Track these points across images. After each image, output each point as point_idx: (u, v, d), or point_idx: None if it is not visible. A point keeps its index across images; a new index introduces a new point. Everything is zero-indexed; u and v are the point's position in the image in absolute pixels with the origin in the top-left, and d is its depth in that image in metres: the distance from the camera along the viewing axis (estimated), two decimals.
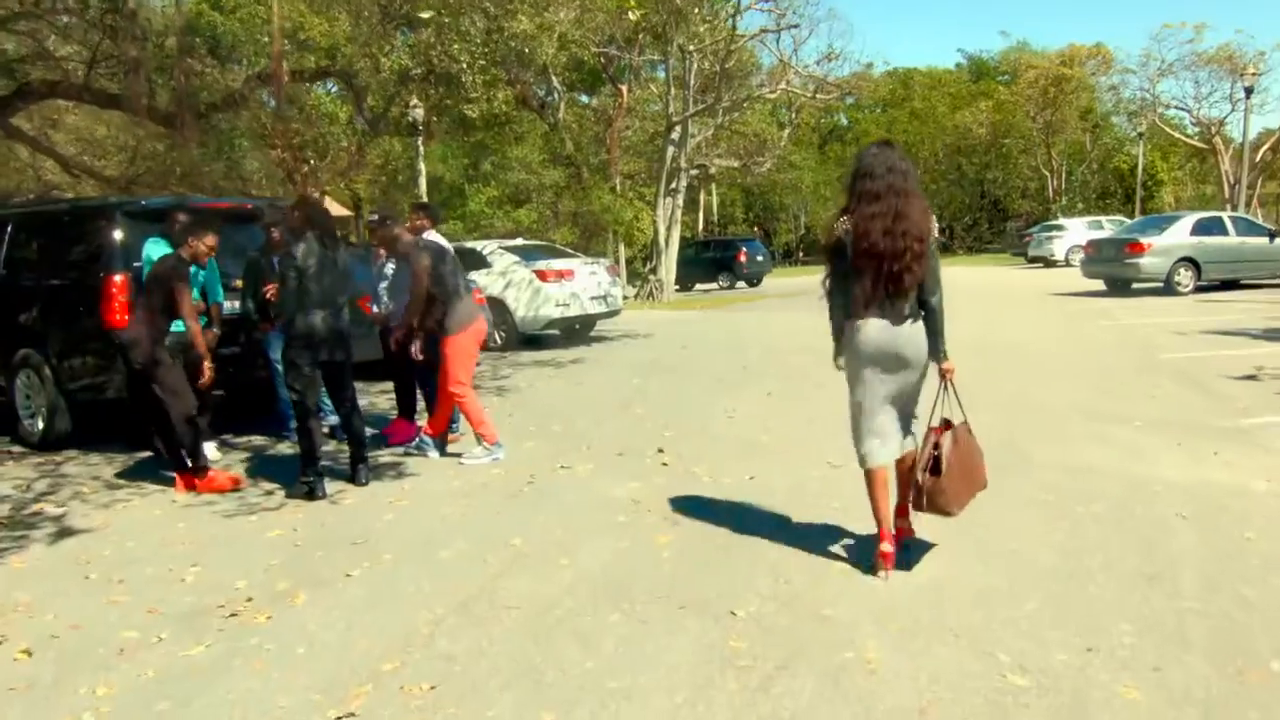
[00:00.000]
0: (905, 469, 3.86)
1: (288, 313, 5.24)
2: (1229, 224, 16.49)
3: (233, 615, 3.63)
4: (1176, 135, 40.44)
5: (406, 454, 6.18)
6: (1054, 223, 29.14)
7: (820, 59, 21.99)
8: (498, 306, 11.97)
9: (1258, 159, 34.14)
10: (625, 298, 18.40)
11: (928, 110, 50.66)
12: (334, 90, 25.50)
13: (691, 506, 4.77)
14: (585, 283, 12.29)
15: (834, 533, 4.30)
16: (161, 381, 5.37)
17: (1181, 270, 15.91)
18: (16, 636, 3.51)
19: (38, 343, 6.70)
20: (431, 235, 6.61)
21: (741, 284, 28.02)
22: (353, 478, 5.45)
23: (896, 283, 3.55)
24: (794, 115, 28.15)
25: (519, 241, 13.65)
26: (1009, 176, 49.11)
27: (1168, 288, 15.90)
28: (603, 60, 22.45)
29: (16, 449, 6.88)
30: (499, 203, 21.52)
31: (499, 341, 12.14)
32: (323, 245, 5.17)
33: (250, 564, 4.18)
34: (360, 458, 5.46)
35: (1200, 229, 16.20)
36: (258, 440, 6.91)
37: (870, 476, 3.76)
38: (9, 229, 7.38)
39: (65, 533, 4.80)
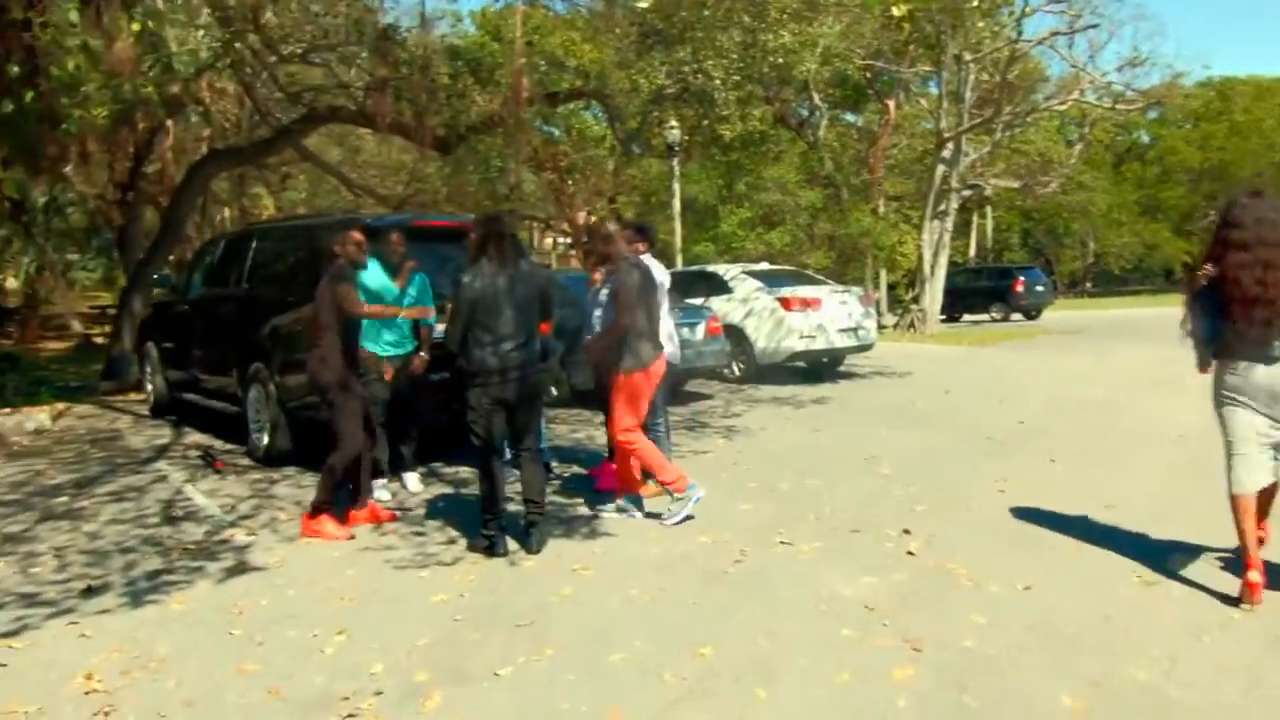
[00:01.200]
0: (1265, 496, 4.01)
1: (450, 344, 4.68)
2: None
3: (350, 717, 3.00)
4: None
5: (599, 512, 5.41)
6: None
7: (1121, 65, 19.18)
8: (736, 335, 11.12)
9: None
10: (883, 328, 16.95)
11: (1251, 124, 43.92)
12: (598, 114, 26.08)
13: (944, 625, 3.60)
14: (834, 313, 11.13)
15: (1153, 695, 2.99)
16: (334, 411, 4.99)
17: None
18: (125, 708, 3.08)
19: (265, 357, 6.69)
20: (646, 260, 5.87)
21: (1017, 316, 25.33)
22: (524, 542, 4.72)
23: (1266, 328, 3.71)
24: (1087, 130, 25.08)
25: (764, 266, 12.73)
26: None
27: None
28: (868, 75, 21.10)
29: (244, 463, 6.94)
30: (751, 224, 20.73)
31: (736, 373, 11.29)
32: (501, 268, 4.55)
33: (399, 640, 3.57)
34: (534, 519, 4.72)
35: None
36: (465, 472, 6.49)
37: (1235, 502, 3.89)
38: (253, 244, 7.57)
39: (239, 569, 4.49)
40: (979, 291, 26.81)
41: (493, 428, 4.62)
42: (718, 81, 14.33)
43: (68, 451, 7.61)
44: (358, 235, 5.14)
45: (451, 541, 4.86)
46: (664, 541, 4.81)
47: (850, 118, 25.03)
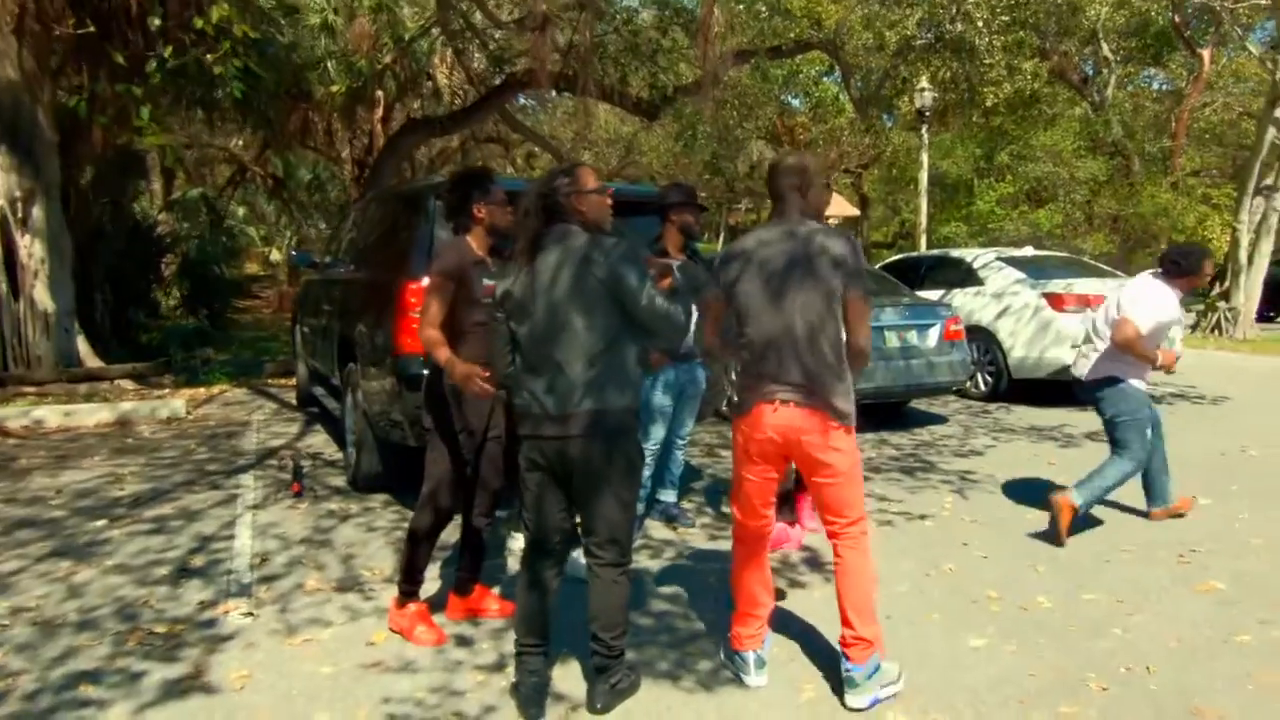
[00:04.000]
0: None
1: (499, 375, 2.97)
2: None
3: None
4: None
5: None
6: None
7: None
8: (984, 339, 8.69)
9: None
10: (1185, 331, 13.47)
11: None
12: (840, 80, 23.50)
13: None
14: None
15: None
16: (429, 448, 3.44)
17: None
18: None
19: (356, 358, 5.38)
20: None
21: None
22: (589, 692, 2.93)
23: None
24: None
25: (1029, 252, 10.04)
26: None
27: None
28: (1177, 19, 17.13)
29: (336, 482, 5.69)
30: (1014, 201, 17.55)
31: (982, 388, 8.86)
32: (562, 262, 2.77)
33: None
34: (603, 663, 2.89)
35: None
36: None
37: None
38: (369, 211, 6.31)
39: (183, 687, 3.06)
40: None
41: (541, 515, 2.88)
42: (980, 24, 11.70)
43: (174, 450, 6.75)
44: (502, 196, 3.53)
45: (501, 662, 3.20)
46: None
47: (1149, 73, 20.77)
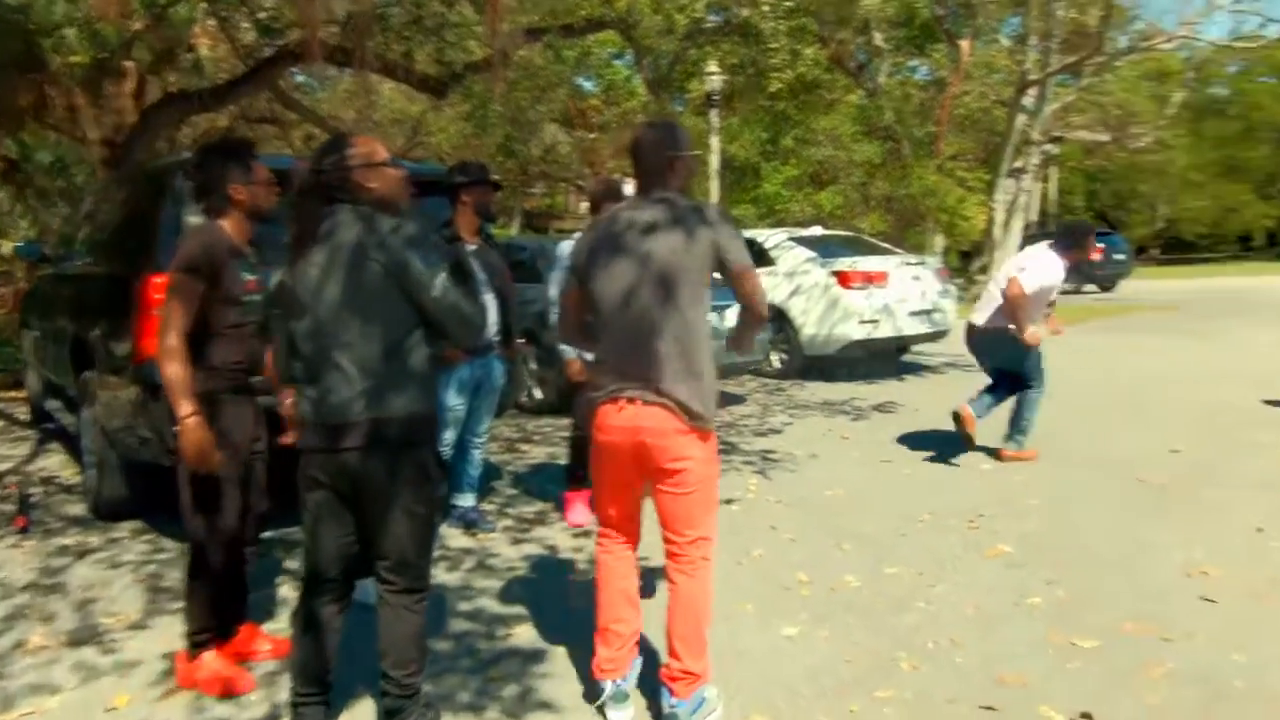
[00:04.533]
0: None
1: (281, 380, 2.57)
2: None
3: None
4: None
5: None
6: None
7: None
8: (778, 319, 8.87)
9: None
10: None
11: None
12: (631, 63, 23.59)
13: None
14: (904, 290, 8.82)
15: None
16: (182, 468, 2.85)
17: None
18: None
19: (93, 364, 4.63)
20: None
21: (1091, 287, 22.61)
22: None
23: None
24: (1191, 74, 22.04)
25: (817, 231, 10.38)
26: None
27: None
28: (939, 12, 18.38)
29: (76, 511, 4.91)
30: (799, 183, 18.28)
31: (776, 366, 9.05)
32: (332, 249, 2.39)
33: None
34: (395, 704, 2.50)
35: None
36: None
37: None
38: (91, 201, 5.52)
39: None
40: None
41: (320, 540, 2.48)
42: (765, 9, 11.94)
43: None
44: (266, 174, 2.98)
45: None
46: None
47: (914, 62, 22.22)
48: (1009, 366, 5.63)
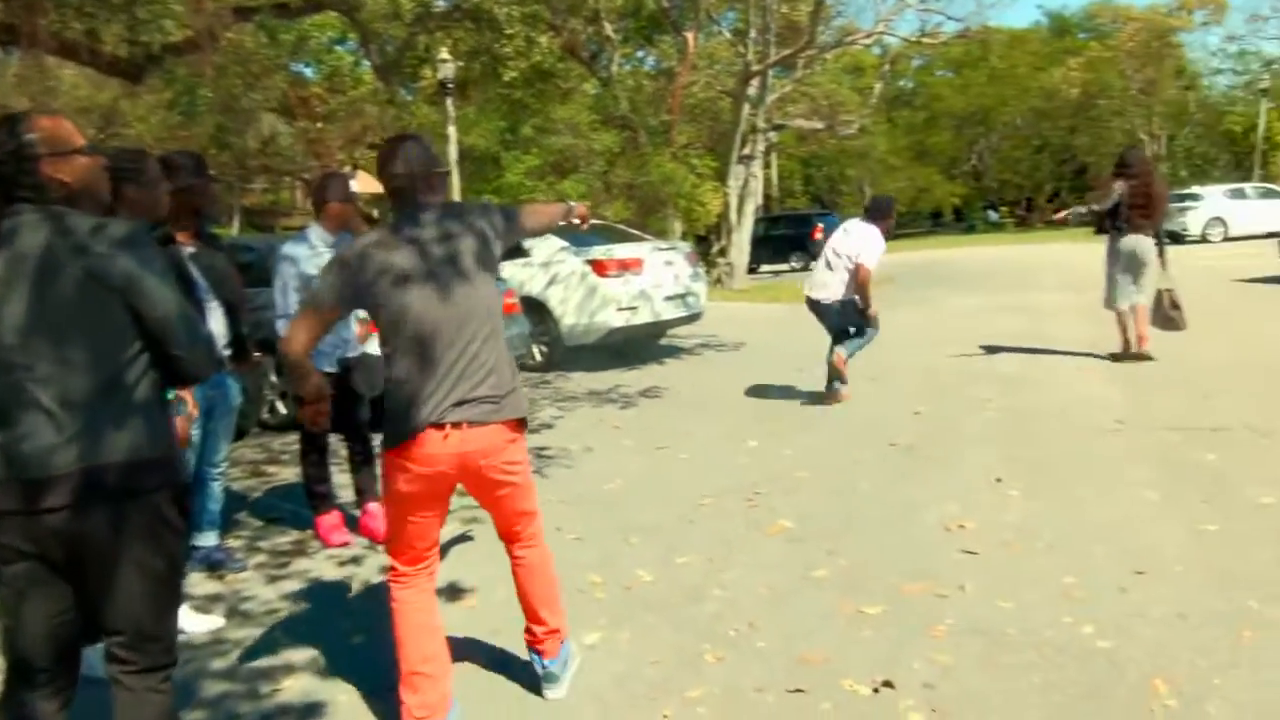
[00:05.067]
0: None
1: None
2: None
3: None
4: None
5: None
6: (1188, 191, 24.96)
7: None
8: (537, 311, 8.69)
9: None
10: None
11: (1007, 71, 45.99)
12: (355, 49, 22.34)
13: None
14: (658, 276, 8.93)
15: None
16: None
17: None
18: None
19: None
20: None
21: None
22: None
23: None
24: (887, 69, 24.26)
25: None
26: (1099, 143, 44.36)
27: None
28: (665, 4, 18.90)
29: None
30: (541, 173, 18.17)
31: (538, 359, 8.88)
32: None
33: None
34: None
35: None
36: None
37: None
38: None
39: None
40: (778, 240, 25.78)
41: (25, 622, 1.97)
42: None
43: None
44: None
45: None
46: None
47: (643, 52, 22.78)
48: (852, 325, 6.61)
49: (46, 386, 1.86)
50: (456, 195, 17.52)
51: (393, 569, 2.58)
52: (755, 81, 17.51)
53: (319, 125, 24.87)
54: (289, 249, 4.06)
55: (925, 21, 18.50)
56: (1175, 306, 7.42)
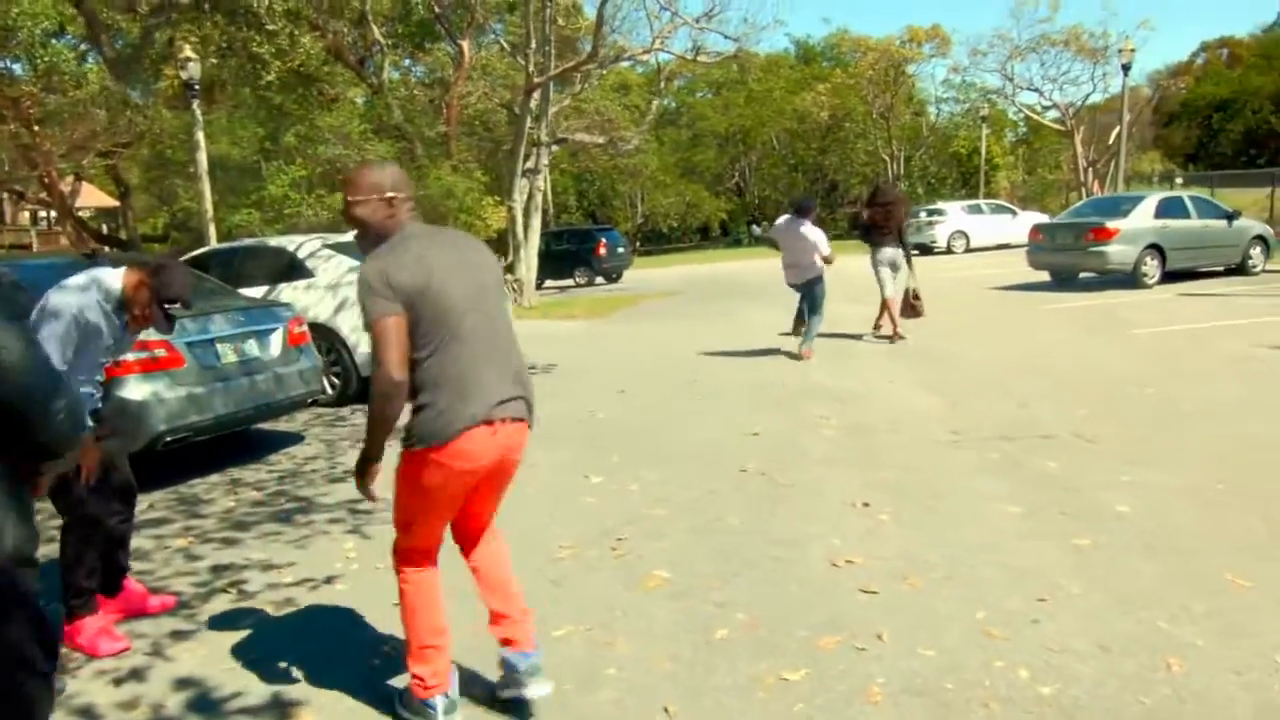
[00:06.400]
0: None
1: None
2: (1190, 205, 14.43)
3: None
4: (1036, 118, 39.73)
5: None
6: (935, 207, 27.25)
7: (700, 16, 18.37)
8: (325, 338, 7.70)
9: (1110, 140, 33.94)
10: None
11: (764, 93, 48.65)
12: (76, 42, 19.60)
13: None
14: None
15: None
16: None
17: (1148, 259, 13.67)
18: None
19: None
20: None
21: (600, 280, 24.36)
22: None
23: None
24: (662, 86, 24.60)
25: (353, 236, 9.28)
26: (846, 161, 47.92)
27: (1132, 279, 13.62)
28: (436, 9, 18.03)
29: None
30: (308, 185, 16.70)
31: (329, 393, 7.87)
32: None
33: None
34: None
35: (1164, 211, 14.03)
36: None
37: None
38: None
39: None
40: (561, 256, 25.43)
41: None
42: None
43: None
44: None
45: None
46: None
47: (408, 63, 21.66)
48: (811, 297, 8.89)
49: None
50: (209, 208, 15.73)
51: (406, 554, 2.68)
52: (537, 94, 17.04)
53: (33, 129, 21.64)
54: (73, 299, 3.07)
55: (698, 40, 18.82)
56: (917, 298, 9.72)
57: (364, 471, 2.53)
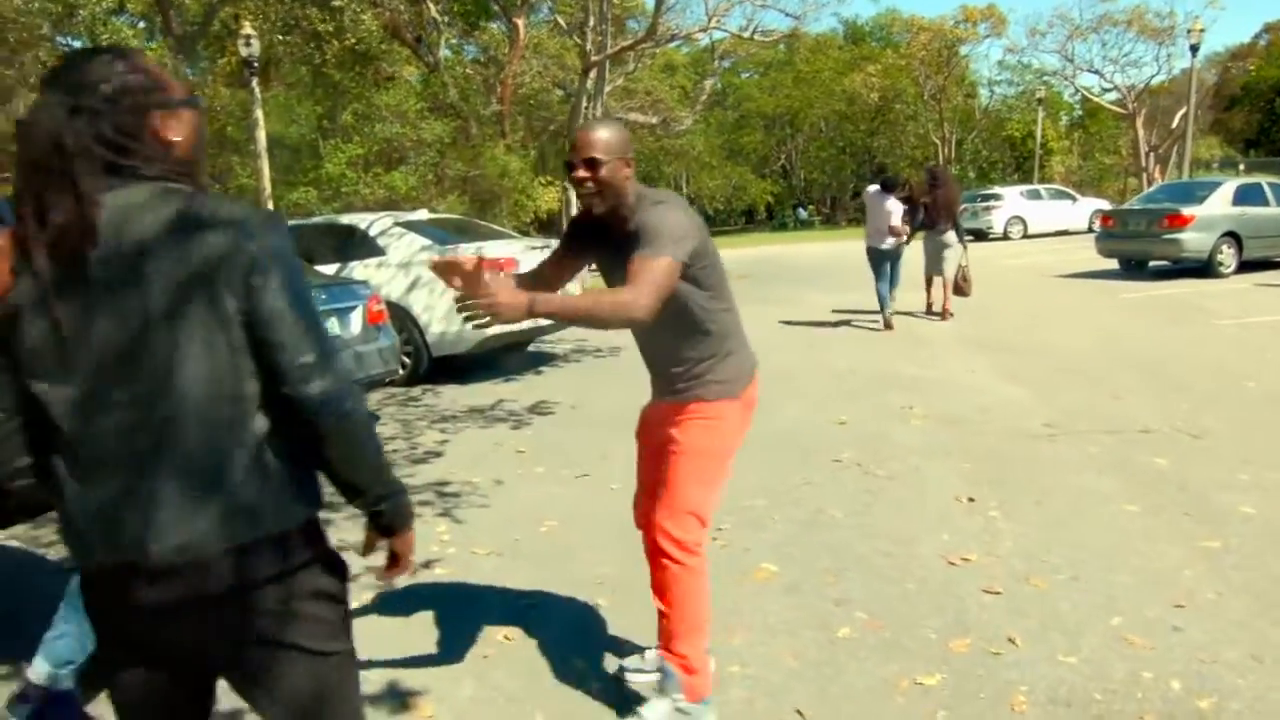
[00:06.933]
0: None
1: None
2: (1269, 192, 13.91)
3: None
4: (1095, 100, 38.70)
5: None
6: (990, 191, 26.67)
7: None
8: (398, 318, 7.68)
9: (1174, 124, 32.99)
10: None
11: (812, 74, 47.89)
12: (136, 21, 19.81)
13: None
14: None
15: None
16: None
17: (1225, 247, 13.22)
18: None
19: None
20: None
21: None
22: None
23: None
24: (717, 65, 24.29)
25: (423, 215, 9.24)
26: (896, 144, 47.08)
27: (1207, 268, 13.18)
28: None
29: None
30: (366, 163, 16.72)
31: (401, 373, 7.85)
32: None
33: None
34: None
35: (1242, 197, 13.55)
36: None
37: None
38: None
39: None
40: None
41: None
42: None
43: None
44: None
45: None
46: None
47: (457, 40, 21.58)
48: (894, 265, 9.68)
49: (167, 431, 1.26)
50: (267, 185, 15.85)
51: (697, 523, 2.52)
52: (593, 73, 16.89)
53: None
54: None
55: (754, 18, 18.50)
56: (965, 279, 10.15)
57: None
